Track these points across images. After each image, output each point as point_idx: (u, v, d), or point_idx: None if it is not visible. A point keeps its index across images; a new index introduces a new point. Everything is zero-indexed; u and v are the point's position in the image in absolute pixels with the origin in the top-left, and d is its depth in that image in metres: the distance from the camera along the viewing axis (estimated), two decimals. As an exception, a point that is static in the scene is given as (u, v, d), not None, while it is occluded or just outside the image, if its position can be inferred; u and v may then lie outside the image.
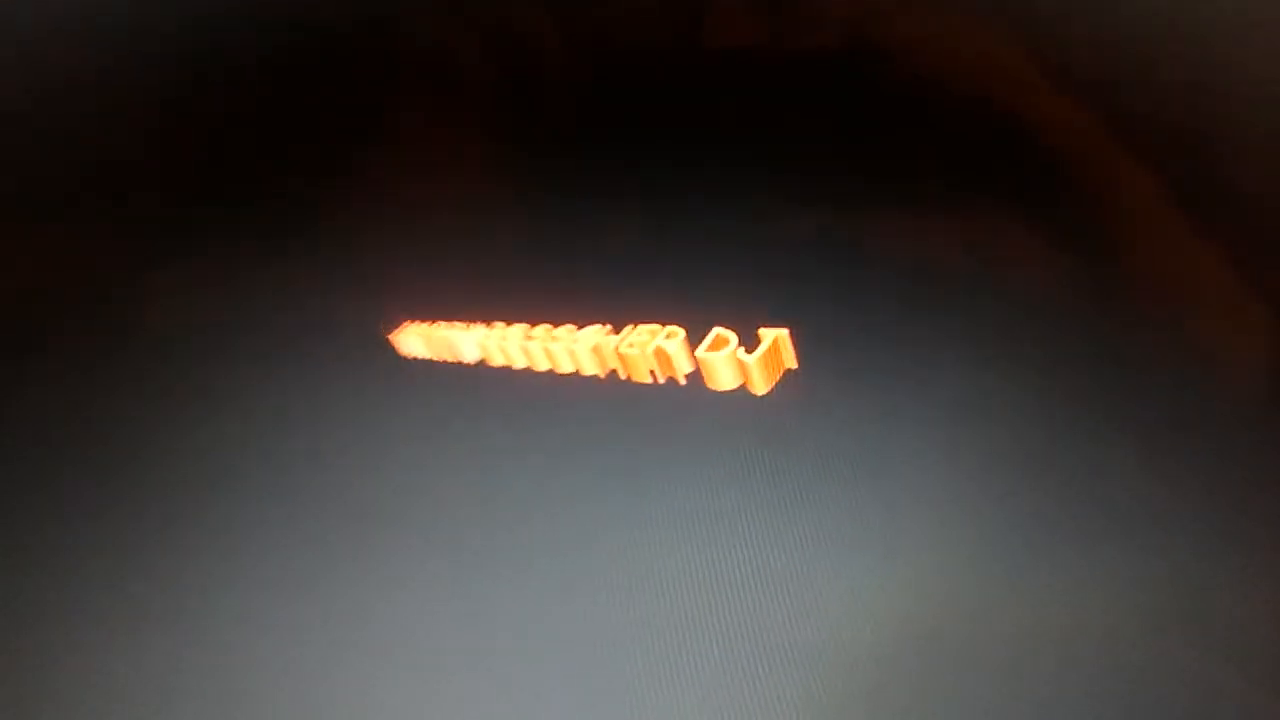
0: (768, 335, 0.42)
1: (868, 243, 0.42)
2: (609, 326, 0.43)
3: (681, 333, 0.42)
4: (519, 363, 0.44)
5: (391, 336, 0.44)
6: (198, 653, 0.40)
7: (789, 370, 0.42)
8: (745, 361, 0.41)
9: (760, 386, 0.42)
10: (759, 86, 0.43)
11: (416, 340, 0.44)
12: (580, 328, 0.43)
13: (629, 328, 0.42)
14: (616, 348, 0.42)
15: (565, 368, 0.43)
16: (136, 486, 0.41)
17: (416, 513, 0.42)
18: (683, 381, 0.42)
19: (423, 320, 0.44)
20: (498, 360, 0.44)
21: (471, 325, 0.44)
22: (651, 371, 0.42)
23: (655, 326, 0.42)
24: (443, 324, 0.44)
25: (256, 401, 0.42)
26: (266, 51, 0.43)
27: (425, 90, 0.44)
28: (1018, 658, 0.39)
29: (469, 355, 0.44)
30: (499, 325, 0.44)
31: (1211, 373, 0.40)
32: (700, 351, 0.41)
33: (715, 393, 0.41)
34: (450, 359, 0.44)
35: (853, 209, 0.42)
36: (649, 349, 0.42)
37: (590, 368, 0.43)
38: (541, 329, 0.43)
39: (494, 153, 0.44)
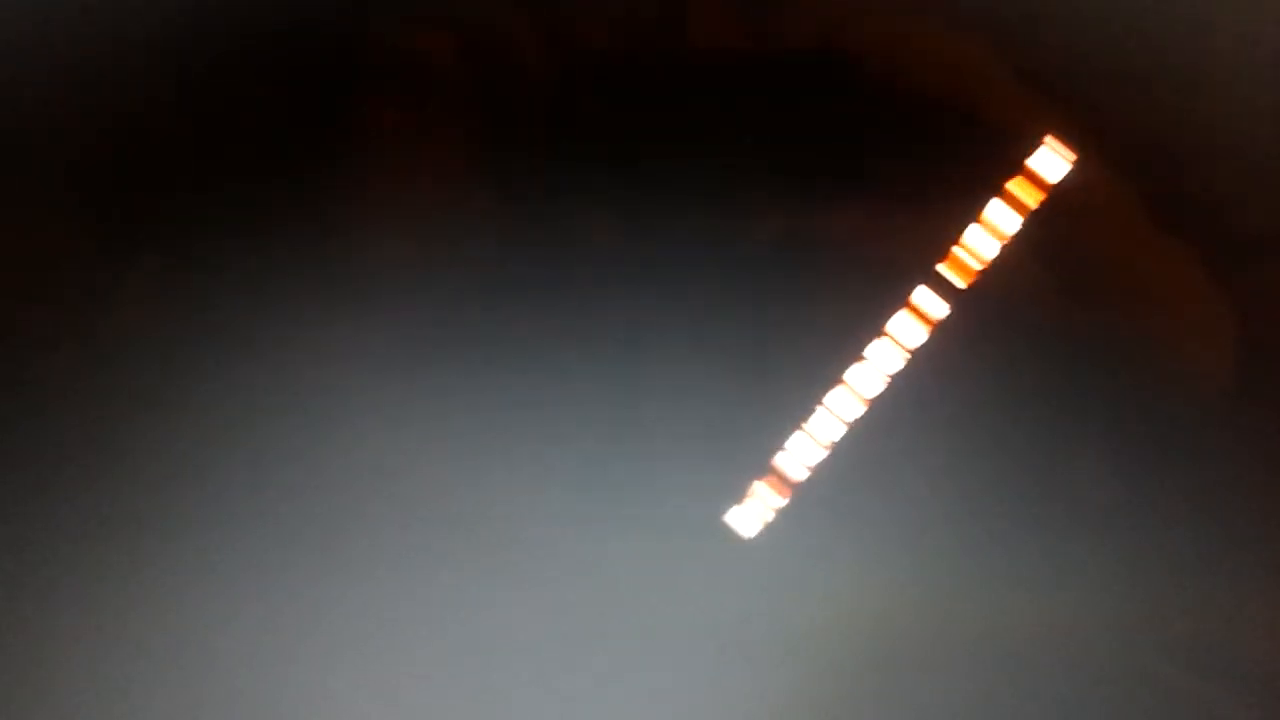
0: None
1: (835, 242, 0.42)
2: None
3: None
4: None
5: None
6: (164, 642, 0.40)
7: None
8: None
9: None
10: (733, 88, 0.43)
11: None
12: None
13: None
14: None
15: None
16: (103, 480, 0.41)
17: (381, 508, 0.42)
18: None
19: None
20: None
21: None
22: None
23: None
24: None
25: (226, 396, 0.42)
26: (249, 51, 0.43)
27: (404, 92, 0.44)
28: (981, 656, 0.39)
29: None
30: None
31: (1179, 374, 0.41)
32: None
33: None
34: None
35: (822, 209, 0.43)
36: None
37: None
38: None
39: (469, 153, 0.44)
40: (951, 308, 0.43)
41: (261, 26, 0.42)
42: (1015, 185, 0.42)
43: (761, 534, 0.42)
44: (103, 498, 0.41)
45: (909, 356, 0.43)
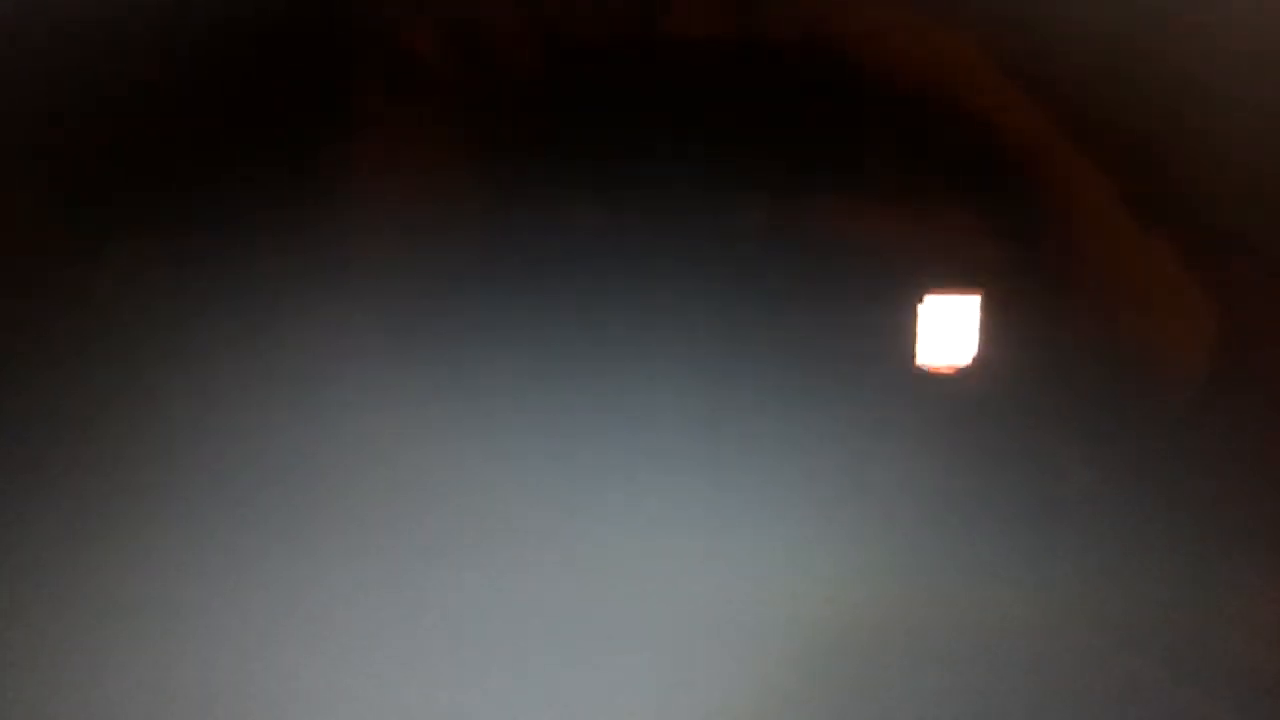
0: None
1: (821, 237, 0.42)
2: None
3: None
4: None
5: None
6: (145, 629, 0.40)
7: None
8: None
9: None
10: (719, 80, 0.43)
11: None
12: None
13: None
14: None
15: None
16: (81, 469, 0.41)
17: (367, 497, 0.42)
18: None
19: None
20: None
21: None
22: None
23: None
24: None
25: (208, 384, 0.42)
26: (235, 42, 0.43)
27: (390, 83, 0.44)
28: (955, 651, 0.39)
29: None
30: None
31: (1157, 370, 0.41)
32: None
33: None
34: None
35: (808, 201, 0.43)
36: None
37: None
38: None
39: (455, 144, 0.44)
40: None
41: (247, 16, 0.42)
42: (999, 181, 0.42)
43: (747, 527, 0.42)
44: (80, 487, 0.41)
45: (891, 352, 0.43)
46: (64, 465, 0.42)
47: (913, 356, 0.42)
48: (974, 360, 0.42)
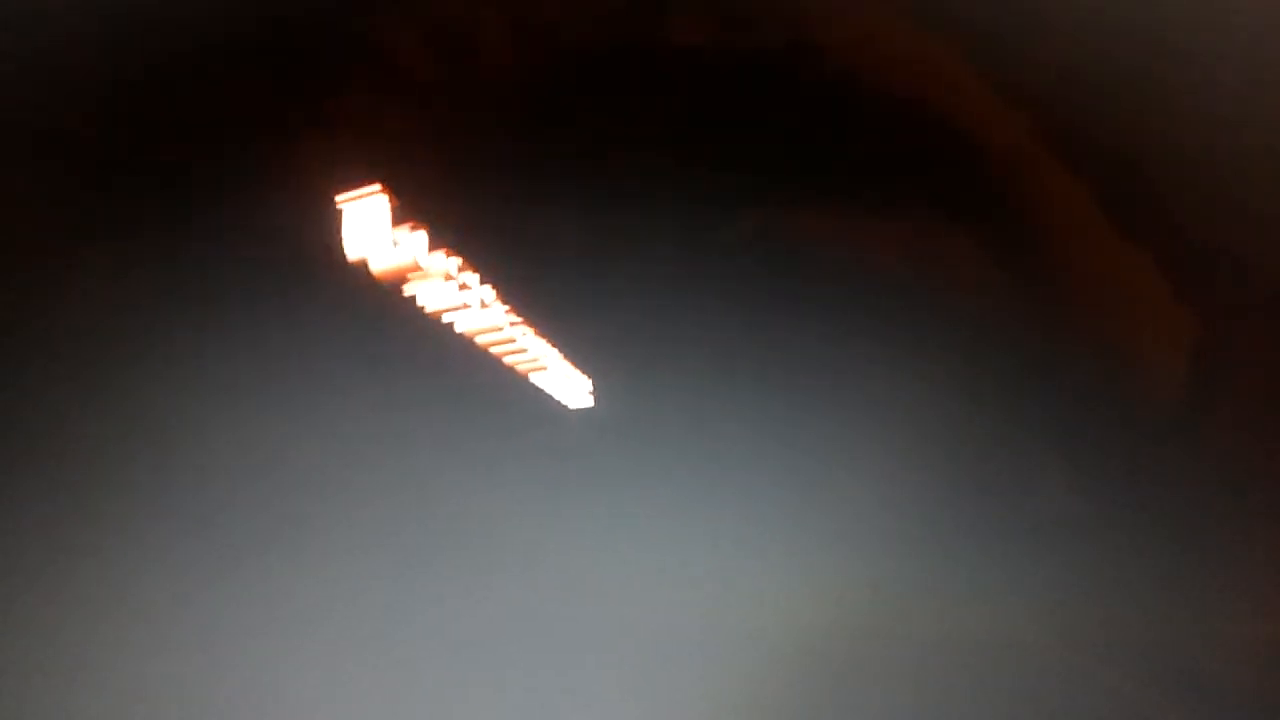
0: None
1: (801, 245, 0.42)
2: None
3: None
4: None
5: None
6: (108, 634, 0.40)
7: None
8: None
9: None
10: (708, 85, 0.43)
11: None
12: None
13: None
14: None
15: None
16: (58, 457, 0.41)
17: (343, 496, 0.42)
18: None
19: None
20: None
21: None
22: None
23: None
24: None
25: (191, 375, 0.42)
26: (216, 43, 0.42)
27: (376, 82, 0.44)
28: (932, 664, 0.39)
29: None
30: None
31: (1135, 386, 0.41)
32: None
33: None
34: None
35: (789, 211, 0.43)
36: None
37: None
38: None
39: (439, 146, 0.44)
40: (916, 312, 0.43)
41: (229, 18, 0.42)
42: (983, 190, 0.42)
43: (726, 540, 0.42)
44: (61, 490, 0.41)
45: (872, 360, 0.43)
46: (43, 467, 0.42)
47: (893, 365, 0.42)
48: (959, 373, 0.42)
